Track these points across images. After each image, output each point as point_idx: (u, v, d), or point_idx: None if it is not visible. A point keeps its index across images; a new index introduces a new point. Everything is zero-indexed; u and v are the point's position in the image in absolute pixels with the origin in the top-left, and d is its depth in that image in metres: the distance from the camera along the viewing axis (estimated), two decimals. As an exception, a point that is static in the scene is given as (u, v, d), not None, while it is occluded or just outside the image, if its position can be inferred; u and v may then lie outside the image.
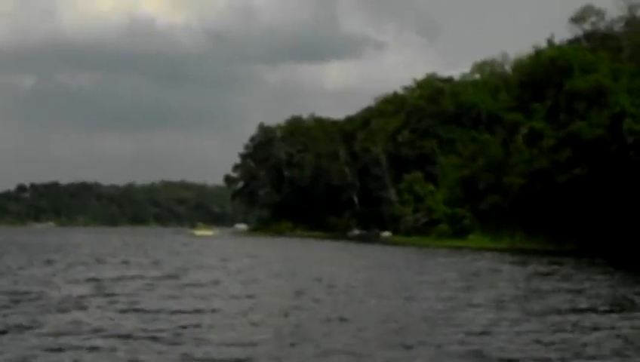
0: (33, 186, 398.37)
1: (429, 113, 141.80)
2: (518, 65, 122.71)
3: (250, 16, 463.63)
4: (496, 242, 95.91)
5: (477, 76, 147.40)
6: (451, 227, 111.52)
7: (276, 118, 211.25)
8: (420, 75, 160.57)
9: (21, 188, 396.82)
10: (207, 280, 40.57)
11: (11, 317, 25.07)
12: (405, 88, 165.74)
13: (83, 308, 28.27)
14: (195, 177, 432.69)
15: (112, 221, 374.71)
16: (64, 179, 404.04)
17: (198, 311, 27.60)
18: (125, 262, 56.85)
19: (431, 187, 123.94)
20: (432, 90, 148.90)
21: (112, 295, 32.72)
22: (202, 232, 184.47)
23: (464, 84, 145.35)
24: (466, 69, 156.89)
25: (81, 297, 31.54)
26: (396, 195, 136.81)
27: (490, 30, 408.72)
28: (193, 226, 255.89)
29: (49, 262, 55.52)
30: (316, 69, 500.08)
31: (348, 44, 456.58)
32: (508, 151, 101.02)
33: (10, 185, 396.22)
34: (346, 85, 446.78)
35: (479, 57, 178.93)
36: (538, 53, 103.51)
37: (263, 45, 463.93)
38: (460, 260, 65.65)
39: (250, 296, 33.38)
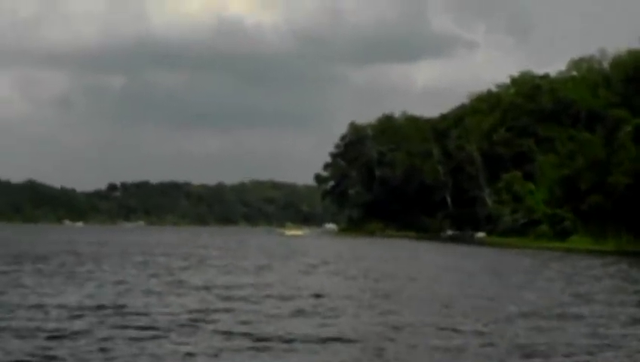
0: (124, 185, 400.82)
1: (526, 111, 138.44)
2: (618, 62, 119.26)
3: (339, 16, 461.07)
4: (601, 244, 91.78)
5: (574, 73, 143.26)
6: (551, 228, 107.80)
7: (364, 117, 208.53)
8: (511, 74, 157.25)
9: (112, 187, 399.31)
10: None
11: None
12: (499, 86, 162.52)
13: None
14: (284, 177, 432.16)
15: (201, 220, 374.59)
16: (154, 178, 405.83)
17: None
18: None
19: (530, 186, 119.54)
20: (528, 87, 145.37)
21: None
22: (293, 232, 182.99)
23: (562, 80, 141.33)
24: (559, 68, 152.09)
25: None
26: (493, 194, 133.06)
27: (580, 30, 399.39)
28: (282, 226, 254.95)
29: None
30: (405, 69, 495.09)
31: (437, 43, 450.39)
32: (611, 150, 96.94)
33: (101, 185, 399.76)
34: (434, 85, 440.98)
35: (570, 56, 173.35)
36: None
37: (351, 45, 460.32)
38: (583, 264, 61.95)
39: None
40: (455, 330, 23.51)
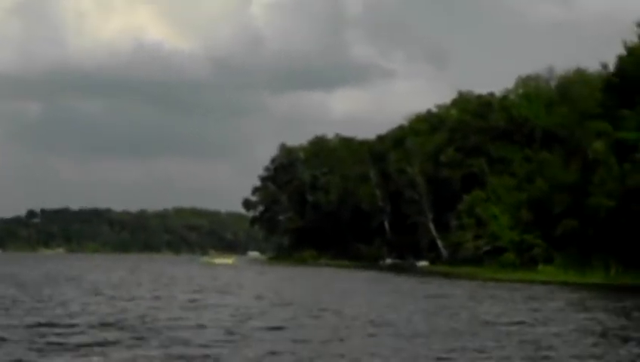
0: (43, 212, 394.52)
1: (475, 129, 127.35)
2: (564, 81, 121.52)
3: (257, 44, 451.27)
4: (582, 276, 78.67)
5: (520, 91, 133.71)
6: (518, 256, 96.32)
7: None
8: (458, 91, 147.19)
9: (31, 214, 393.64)
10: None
11: None
12: (439, 106, 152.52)
13: None
14: (206, 204, 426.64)
15: (123, 248, 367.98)
16: (75, 205, 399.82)
17: None
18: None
19: (494, 210, 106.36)
20: (475, 105, 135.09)
21: None
22: (221, 261, 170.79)
23: (513, 98, 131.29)
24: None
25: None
26: (454, 219, 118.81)
27: (499, 59, 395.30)
28: (205, 254, 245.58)
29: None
30: (324, 97, 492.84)
31: (355, 71, 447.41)
32: (586, 168, 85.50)
33: (21, 211, 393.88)
34: (353, 113, 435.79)
35: (492, 85, 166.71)
36: (630, 52, 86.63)
37: (269, 73, 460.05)
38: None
39: None
40: None
